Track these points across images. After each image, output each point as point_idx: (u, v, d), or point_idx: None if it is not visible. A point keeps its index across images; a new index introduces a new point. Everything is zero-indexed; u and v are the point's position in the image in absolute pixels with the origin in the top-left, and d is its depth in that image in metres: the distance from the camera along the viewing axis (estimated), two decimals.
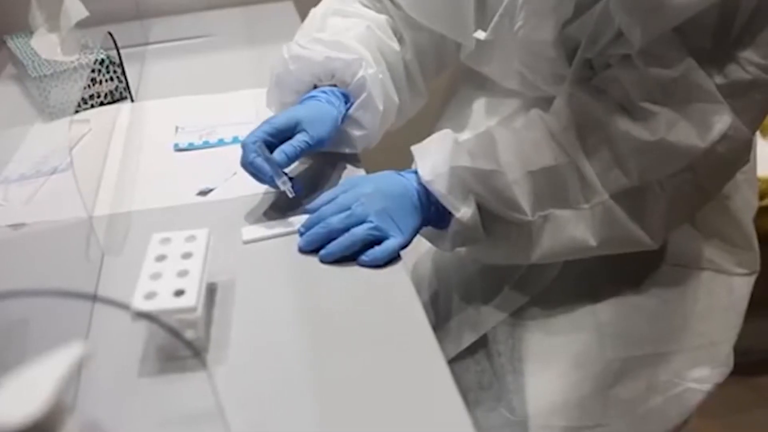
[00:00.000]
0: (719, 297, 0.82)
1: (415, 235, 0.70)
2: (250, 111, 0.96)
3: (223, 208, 0.76)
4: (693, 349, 0.80)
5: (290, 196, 0.71)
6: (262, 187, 0.77)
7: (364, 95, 0.77)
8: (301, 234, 0.68)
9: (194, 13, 1.39)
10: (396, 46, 0.85)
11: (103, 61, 1.00)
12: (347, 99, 0.78)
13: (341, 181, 0.73)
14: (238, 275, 0.66)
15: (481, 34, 0.79)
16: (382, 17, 0.86)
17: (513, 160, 0.69)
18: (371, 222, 0.66)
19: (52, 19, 1.07)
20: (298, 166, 0.80)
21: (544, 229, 0.70)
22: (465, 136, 0.85)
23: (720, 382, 0.82)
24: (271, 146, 0.70)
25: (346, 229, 0.66)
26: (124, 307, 0.50)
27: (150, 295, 0.54)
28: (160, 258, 0.59)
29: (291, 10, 1.39)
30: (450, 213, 0.69)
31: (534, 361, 0.80)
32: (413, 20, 0.84)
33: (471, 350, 0.86)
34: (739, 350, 1.01)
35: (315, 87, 0.79)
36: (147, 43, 1.25)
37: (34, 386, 0.27)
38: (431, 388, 0.54)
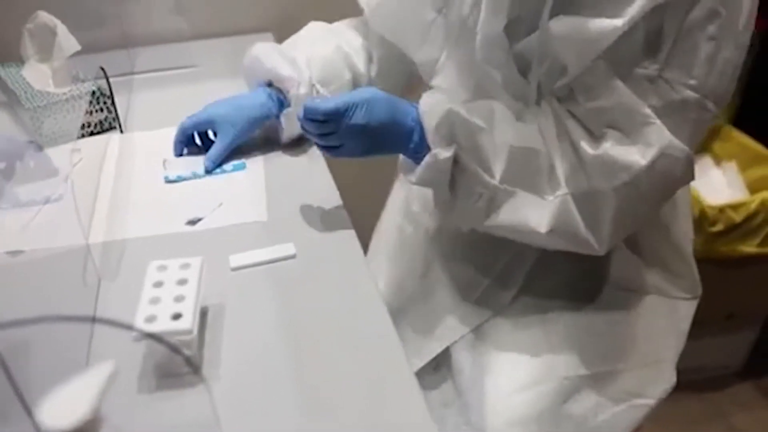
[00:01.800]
0: (663, 319, 0.89)
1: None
2: None
3: (211, 236, 0.82)
4: (639, 367, 0.87)
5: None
6: (249, 217, 0.84)
7: (290, 108, 0.95)
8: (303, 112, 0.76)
9: (178, 43, 1.44)
10: (362, 67, 0.98)
11: (94, 92, 1.05)
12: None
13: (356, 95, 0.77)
14: (227, 299, 0.72)
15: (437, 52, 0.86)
16: (359, 41, 0.99)
17: (502, 129, 0.74)
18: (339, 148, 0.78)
19: (43, 50, 1.12)
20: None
21: (505, 202, 0.74)
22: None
23: (664, 398, 0.89)
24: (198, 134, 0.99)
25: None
26: (126, 327, 0.55)
27: (150, 319, 0.60)
28: (158, 284, 0.64)
29: (270, 41, 1.45)
30: (428, 148, 0.74)
31: (494, 378, 0.86)
32: (384, 39, 0.94)
33: (435, 367, 0.92)
34: (692, 368, 1.08)
35: (270, 83, 0.98)
36: (133, 73, 1.30)
37: (77, 397, 0.32)
38: (402, 402, 0.61)
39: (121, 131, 1.08)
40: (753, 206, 1.45)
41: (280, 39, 1.45)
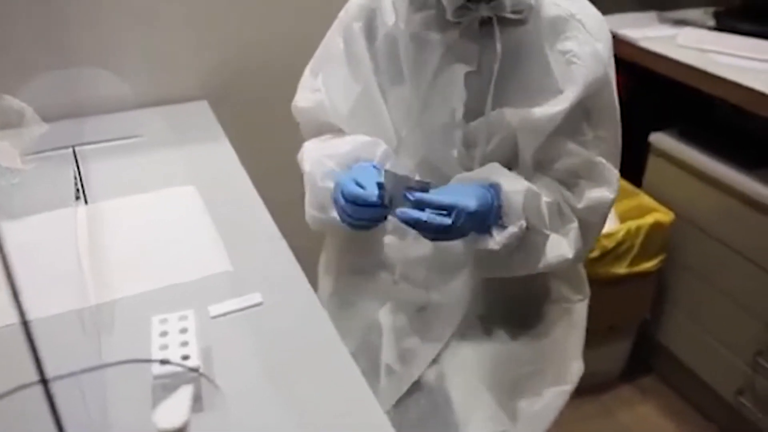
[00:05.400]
0: (568, 321, 1.15)
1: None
2: (188, 205, 1.17)
3: (189, 289, 0.98)
4: (558, 362, 1.12)
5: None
6: (221, 269, 1.01)
7: (393, 159, 1.02)
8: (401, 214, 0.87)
9: (119, 113, 1.54)
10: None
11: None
12: None
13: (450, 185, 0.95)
14: (212, 342, 0.88)
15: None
16: None
17: (540, 190, 0.95)
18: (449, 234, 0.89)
19: (5, 128, 1.23)
20: None
21: (545, 245, 0.96)
22: None
23: (577, 382, 1.14)
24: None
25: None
26: (178, 364, 0.71)
27: (165, 362, 0.76)
28: (163, 333, 0.80)
29: (206, 108, 1.61)
30: (501, 219, 0.91)
31: (456, 388, 1.07)
32: None
33: (409, 392, 1.10)
34: (583, 374, 1.32)
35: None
36: (82, 144, 1.40)
37: (175, 408, 0.49)
38: (362, 409, 0.81)
39: (86, 202, 1.21)
40: (621, 235, 1.75)
41: (215, 106, 1.62)
